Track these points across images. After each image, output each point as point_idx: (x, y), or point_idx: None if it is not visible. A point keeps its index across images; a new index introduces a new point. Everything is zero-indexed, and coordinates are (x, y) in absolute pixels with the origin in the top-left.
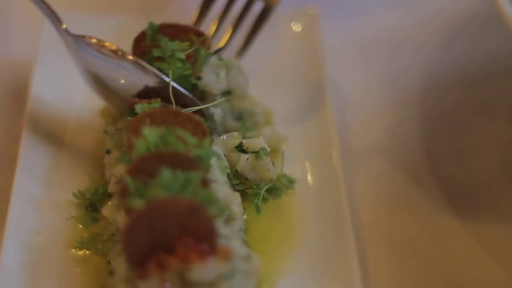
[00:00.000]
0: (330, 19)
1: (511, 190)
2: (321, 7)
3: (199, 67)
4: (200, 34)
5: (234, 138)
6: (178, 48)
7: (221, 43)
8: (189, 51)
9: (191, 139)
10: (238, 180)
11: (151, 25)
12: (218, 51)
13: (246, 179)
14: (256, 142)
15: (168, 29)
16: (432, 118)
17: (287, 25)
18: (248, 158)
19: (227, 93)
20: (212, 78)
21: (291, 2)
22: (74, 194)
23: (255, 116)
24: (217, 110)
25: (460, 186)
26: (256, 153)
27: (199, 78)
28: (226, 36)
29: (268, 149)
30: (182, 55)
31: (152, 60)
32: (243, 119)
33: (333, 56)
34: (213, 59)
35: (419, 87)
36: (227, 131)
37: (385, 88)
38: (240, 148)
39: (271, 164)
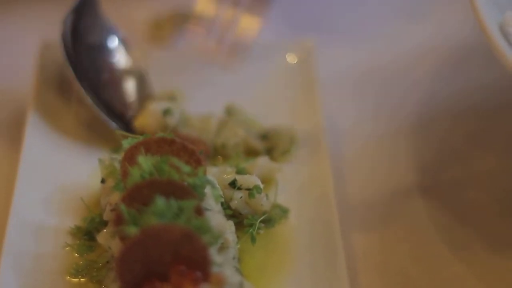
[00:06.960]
0: (325, 51)
1: (504, 221)
2: (317, 39)
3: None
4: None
5: (228, 174)
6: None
7: None
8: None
9: (186, 168)
10: (232, 211)
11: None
12: None
13: (240, 214)
14: (250, 179)
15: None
16: (425, 150)
17: (282, 56)
18: (241, 196)
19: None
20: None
21: (287, 34)
22: (70, 228)
23: (281, 136)
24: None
25: (453, 216)
26: (250, 192)
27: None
28: None
29: (262, 186)
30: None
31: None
32: (268, 139)
33: (327, 88)
34: None
35: (412, 119)
36: (249, 150)
37: (379, 120)
38: (234, 185)
39: (265, 198)
